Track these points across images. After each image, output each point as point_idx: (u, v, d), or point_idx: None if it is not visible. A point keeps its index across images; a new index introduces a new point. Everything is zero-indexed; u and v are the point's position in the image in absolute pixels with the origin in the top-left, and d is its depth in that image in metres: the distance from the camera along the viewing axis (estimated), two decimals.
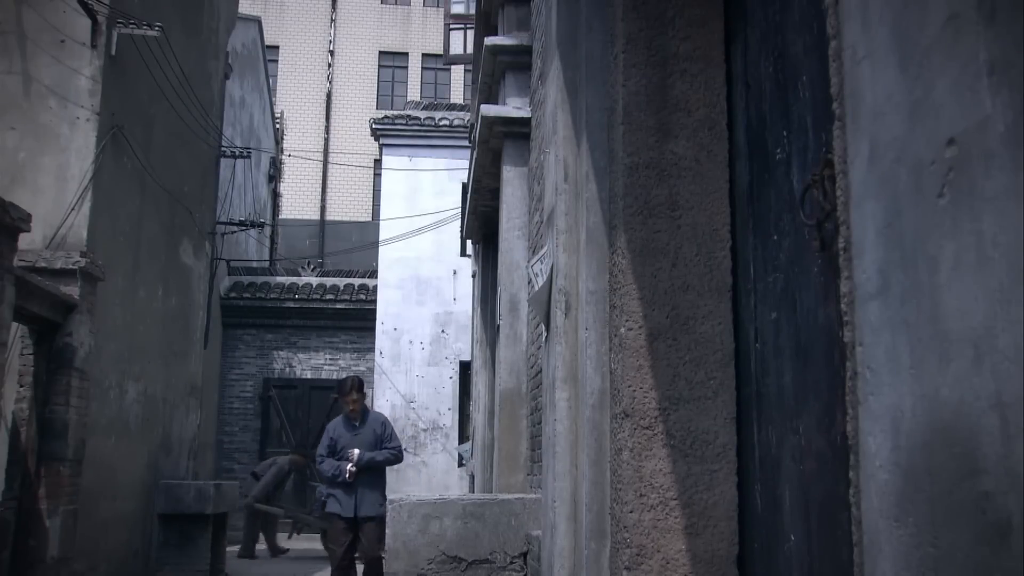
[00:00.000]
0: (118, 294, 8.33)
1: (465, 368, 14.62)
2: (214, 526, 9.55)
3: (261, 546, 12.02)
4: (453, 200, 14.41)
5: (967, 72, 0.97)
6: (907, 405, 1.08)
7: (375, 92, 25.93)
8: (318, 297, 16.48)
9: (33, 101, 7.71)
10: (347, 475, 6.82)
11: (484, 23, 9.06)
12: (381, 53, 26.27)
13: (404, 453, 7.61)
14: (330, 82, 25.78)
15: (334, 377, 15.39)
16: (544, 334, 3.59)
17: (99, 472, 7.87)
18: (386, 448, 7.10)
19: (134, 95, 8.69)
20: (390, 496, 5.74)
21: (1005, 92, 0.91)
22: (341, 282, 17.06)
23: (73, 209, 7.56)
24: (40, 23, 7.74)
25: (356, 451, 6.90)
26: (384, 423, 7.28)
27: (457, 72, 25.33)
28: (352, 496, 6.86)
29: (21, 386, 7.15)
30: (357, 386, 7.10)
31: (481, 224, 9.62)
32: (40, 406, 7.12)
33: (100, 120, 7.78)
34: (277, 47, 25.23)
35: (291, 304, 16.02)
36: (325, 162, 24.68)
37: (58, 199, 7.57)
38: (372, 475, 7.03)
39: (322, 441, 7.18)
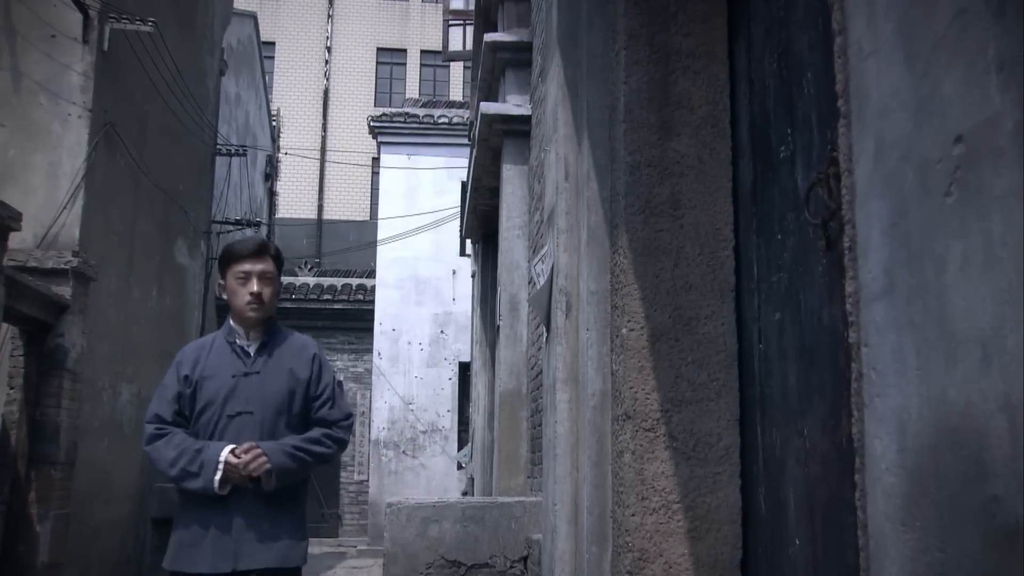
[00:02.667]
0: (111, 294, 8.33)
1: (465, 369, 14.64)
2: None
3: None
4: (452, 199, 14.42)
5: (975, 69, 0.97)
6: (914, 407, 1.08)
7: (373, 89, 25.95)
8: (315, 297, 16.49)
9: (23, 97, 7.71)
10: (216, 484, 2.95)
11: (484, 19, 9.06)
12: (379, 49, 26.28)
13: (349, 431, 3.25)
14: (327, 79, 25.79)
15: None
16: (545, 335, 3.59)
17: (91, 475, 7.87)
18: (321, 420, 3.14)
19: (127, 92, 8.69)
20: (388, 500, 5.68)
21: (1014, 89, 0.91)
22: (339, 282, 17.08)
23: (65, 208, 7.56)
24: (30, 18, 7.74)
25: (253, 446, 2.97)
26: (316, 357, 3.22)
27: (456, 69, 25.34)
28: (227, 530, 2.99)
29: (11, 388, 7.15)
30: (270, 251, 3.23)
31: (481, 223, 9.62)
32: (31, 408, 7.13)
33: (92, 117, 7.79)
34: (273, 43, 25.24)
35: (288, 304, 16.02)
36: (322, 160, 24.68)
37: (49, 197, 7.57)
38: (275, 496, 3.04)
39: (161, 390, 3.17)
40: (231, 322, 3.20)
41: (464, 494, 11.14)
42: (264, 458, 2.94)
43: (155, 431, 3.08)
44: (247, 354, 3.15)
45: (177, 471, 2.99)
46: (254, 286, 3.12)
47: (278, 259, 3.24)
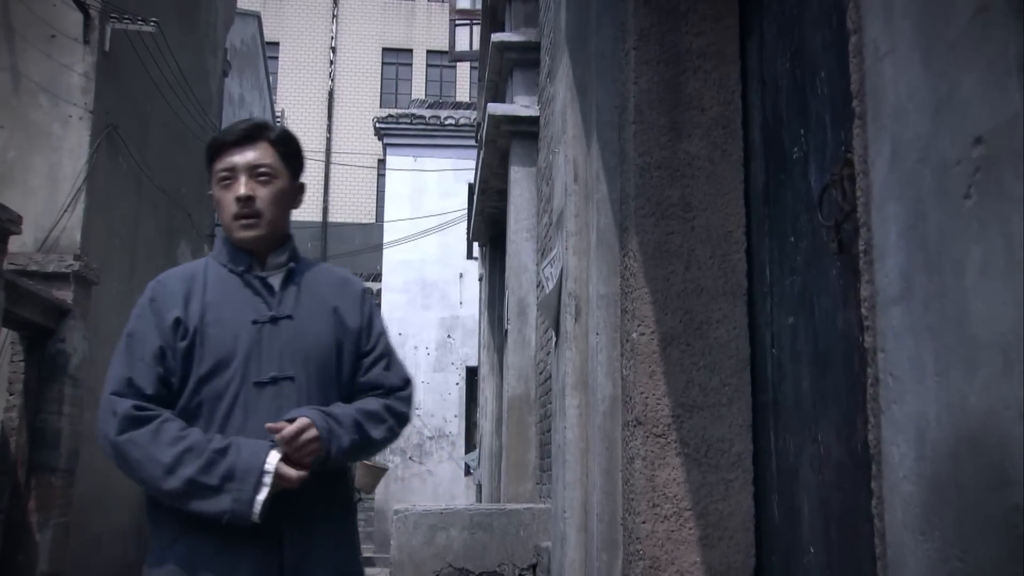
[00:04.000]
0: (113, 298, 8.36)
1: (472, 374, 14.64)
2: None
3: None
4: (459, 201, 14.42)
5: (995, 68, 0.96)
6: (932, 413, 1.07)
7: (378, 90, 25.98)
8: None
9: (23, 98, 7.73)
10: (257, 509, 1.89)
11: (491, 19, 9.07)
12: (385, 50, 26.32)
13: (411, 406, 2.27)
14: (332, 80, 25.83)
15: None
16: (554, 339, 3.59)
17: (93, 483, 7.88)
18: (376, 386, 2.19)
19: (129, 93, 8.72)
20: (395, 507, 5.67)
21: None
22: None
23: (66, 210, 7.58)
24: (29, 17, 7.76)
25: (301, 416, 1.96)
26: (366, 296, 2.28)
27: (463, 69, 25.35)
28: (274, 556, 1.96)
29: (11, 394, 7.16)
30: (267, 134, 2.18)
31: (488, 226, 9.63)
32: (31, 415, 7.14)
33: (94, 118, 7.81)
34: (277, 43, 25.30)
35: None
36: (327, 162, 24.72)
37: (50, 200, 7.59)
38: (329, 488, 2.07)
39: (129, 345, 2.05)
40: (230, 245, 2.14)
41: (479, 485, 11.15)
42: (317, 443, 1.96)
43: (132, 412, 1.93)
44: (269, 289, 2.11)
45: (180, 483, 1.89)
46: (241, 187, 2.09)
47: (285, 145, 2.18)
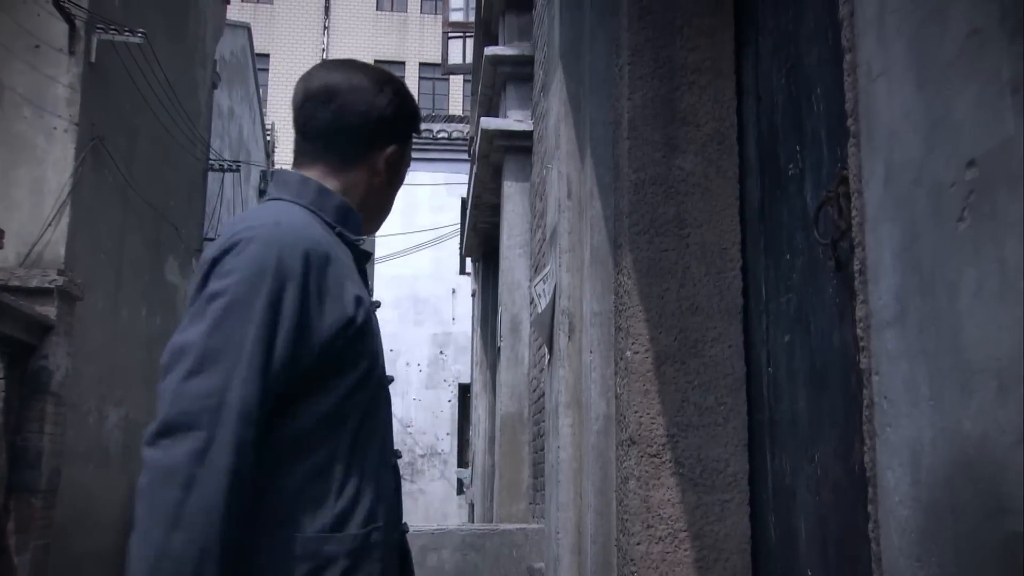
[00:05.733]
0: (98, 314, 8.33)
1: (464, 391, 14.62)
2: None
3: None
4: (452, 216, 14.45)
5: (989, 91, 0.97)
6: (927, 438, 1.08)
7: None
8: None
9: (6, 110, 7.73)
10: None
11: (484, 32, 9.11)
12: (376, 62, 26.32)
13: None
14: None
15: None
16: (547, 357, 3.59)
17: (75, 504, 7.83)
18: None
19: (116, 105, 8.72)
20: None
21: None
22: None
23: (50, 224, 7.57)
24: (12, 27, 7.76)
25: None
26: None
27: (456, 82, 25.45)
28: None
29: None
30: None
31: (481, 241, 9.64)
32: (11, 433, 7.10)
33: (79, 131, 7.80)
34: (268, 55, 25.36)
35: None
36: None
37: (34, 214, 7.58)
38: None
39: (271, 330, 1.33)
40: (355, 214, 1.61)
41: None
42: None
43: (245, 475, 1.28)
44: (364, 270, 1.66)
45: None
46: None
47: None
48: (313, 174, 1.58)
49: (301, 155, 1.61)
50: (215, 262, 1.38)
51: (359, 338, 1.45)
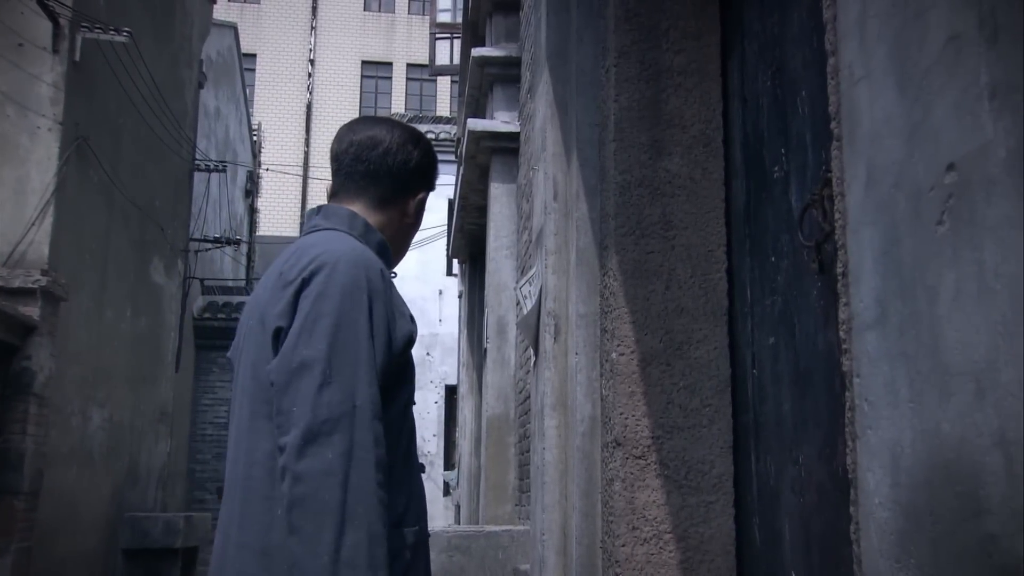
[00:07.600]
0: (82, 315, 8.29)
1: (451, 392, 14.62)
2: (183, 561, 9.47)
3: None
4: (439, 217, 14.43)
5: (968, 95, 0.98)
6: (907, 440, 1.09)
7: (357, 103, 25.98)
8: None
9: None
10: None
11: (471, 33, 9.11)
12: (364, 63, 26.35)
13: None
14: (310, 92, 25.82)
15: None
16: (533, 359, 3.59)
17: (57, 505, 7.79)
18: None
19: (101, 104, 8.68)
20: None
21: (1007, 117, 0.93)
22: None
23: (34, 224, 7.53)
24: None
25: None
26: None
27: (443, 83, 25.42)
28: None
29: None
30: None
31: (468, 242, 9.64)
32: None
33: (63, 130, 7.76)
34: (254, 55, 25.27)
35: None
36: (305, 176, 24.67)
37: (17, 214, 7.53)
38: None
39: (359, 345, 1.53)
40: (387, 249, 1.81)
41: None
42: None
43: (379, 454, 1.48)
44: None
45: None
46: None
47: None
48: (356, 209, 1.78)
49: (343, 191, 1.80)
50: (304, 283, 1.55)
51: (409, 353, 1.66)
